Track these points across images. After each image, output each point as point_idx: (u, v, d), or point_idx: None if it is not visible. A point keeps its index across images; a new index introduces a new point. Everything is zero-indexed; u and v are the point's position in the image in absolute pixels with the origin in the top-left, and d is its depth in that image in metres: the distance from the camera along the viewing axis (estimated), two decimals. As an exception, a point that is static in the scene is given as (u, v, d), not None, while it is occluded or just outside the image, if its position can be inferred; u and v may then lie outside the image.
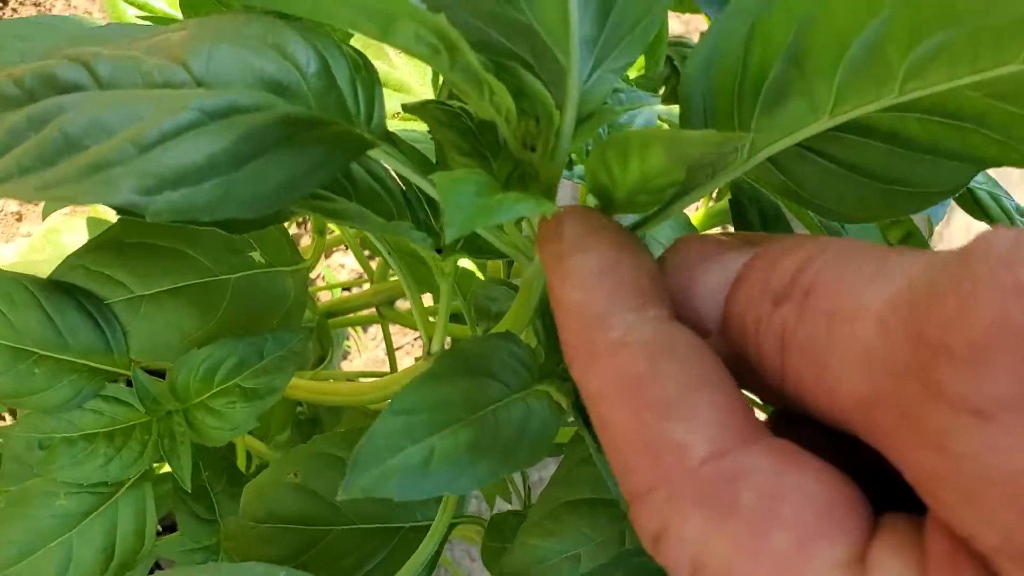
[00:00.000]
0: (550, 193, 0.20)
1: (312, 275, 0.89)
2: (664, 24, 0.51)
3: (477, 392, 0.21)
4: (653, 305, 0.17)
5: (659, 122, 0.37)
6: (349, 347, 0.86)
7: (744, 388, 0.18)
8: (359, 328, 0.83)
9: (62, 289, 0.38)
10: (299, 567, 0.38)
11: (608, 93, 0.19)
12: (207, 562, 0.45)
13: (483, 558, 0.42)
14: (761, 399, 0.19)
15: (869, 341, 0.14)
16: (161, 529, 0.67)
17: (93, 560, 0.39)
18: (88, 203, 0.17)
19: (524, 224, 0.23)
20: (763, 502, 0.14)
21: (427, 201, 0.27)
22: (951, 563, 0.13)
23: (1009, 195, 0.38)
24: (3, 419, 0.75)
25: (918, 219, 0.42)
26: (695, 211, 0.57)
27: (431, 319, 0.33)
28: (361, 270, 0.81)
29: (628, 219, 0.23)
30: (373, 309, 0.61)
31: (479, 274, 0.54)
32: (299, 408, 0.59)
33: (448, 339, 0.44)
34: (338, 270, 0.90)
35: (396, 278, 0.58)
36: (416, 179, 0.21)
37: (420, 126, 0.39)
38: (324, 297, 0.77)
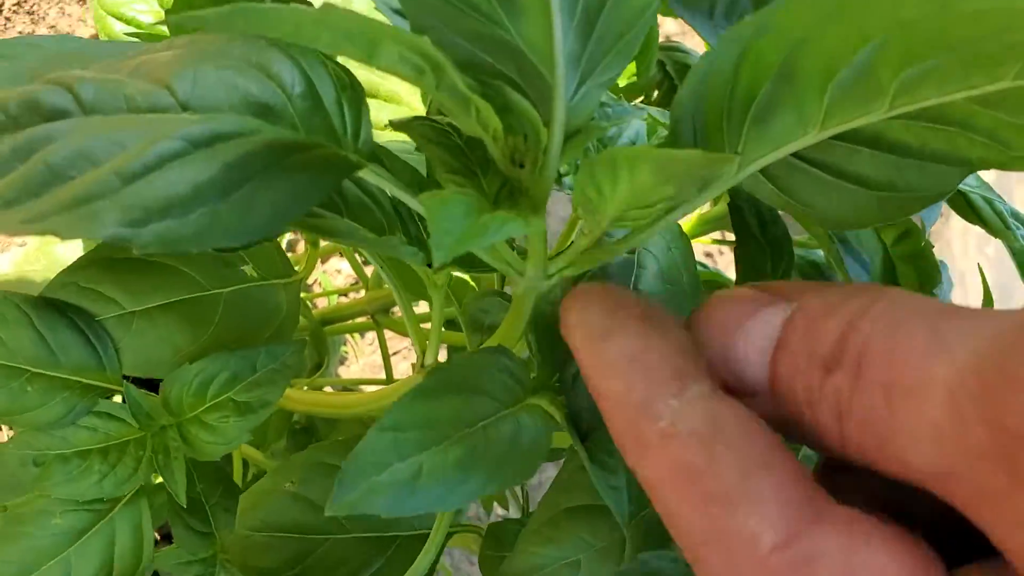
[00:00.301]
0: (539, 208, 0.20)
1: (308, 280, 0.89)
2: (653, 30, 0.51)
3: (467, 409, 0.21)
4: (694, 380, 0.17)
5: (651, 120, 0.37)
6: (346, 353, 0.86)
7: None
8: (356, 334, 0.83)
9: (53, 306, 0.38)
10: (305, 570, 0.38)
11: (595, 108, 0.19)
12: (203, 575, 0.45)
13: (481, 567, 0.42)
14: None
15: (938, 420, 0.13)
16: (158, 538, 0.67)
17: (92, 577, 0.39)
18: (73, 237, 0.17)
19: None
20: None
21: (418, 216, 0.27)
22: None
23: (1002, 198, 0.39)
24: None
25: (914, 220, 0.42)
26: (688, 218, 0.57)
27: (426, 325, 0.33)
28: (357, 276, 0.81)
29: (619, 233, 0.23)
30: (368, 316, 0.60)
31: (473, 284, 0.54)
32: (294, 417, 0.59)
33: (445, 346, 0.43)
34: (335, 275, 0.90)
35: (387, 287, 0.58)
36: (405, 198, 0.21)
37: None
38: (321, 303, 0.77)
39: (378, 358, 0.88)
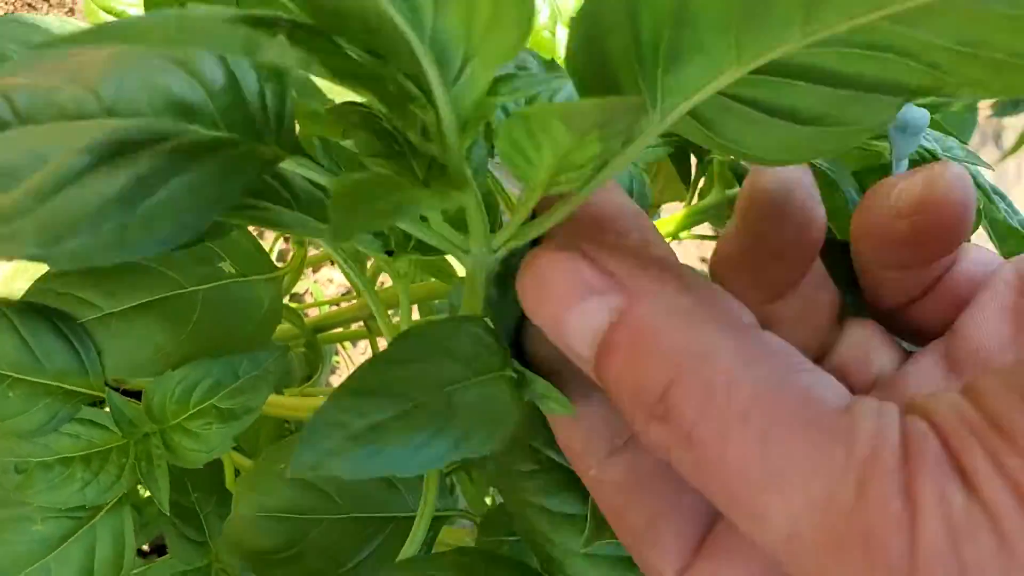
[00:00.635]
0: (461, 183, 0.19)
1: (300, 290, 0.89)
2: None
3: (433, 373, 0.20)
4: (619, 435, 0.21)
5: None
6: (338, 362, 0.85)
7: None
8: (348, 343, 0.83)
9: (36, 311, 0.37)
10: (293, 557, 0.38)
11: (487, 82, 0.18)
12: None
13: None
14: None
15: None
16: (148, 550, 0.66)
17: (72, 585, 0.38)
18: (2, 257, 0.17)
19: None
20: None
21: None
22: None
23: (980, 173, 0.38)
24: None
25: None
26: (678, 211, 0.56)
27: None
28: (349, 285, 0.81)
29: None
30: (361, 323, 0.60)
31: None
32: (287, 424, 0.58)
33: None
34: (326, 285, 0.90)
35: (389, 286, 0.58)
36: (330, 184, 0.21)
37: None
38: (313, 314, 0.76)
39: (374, 369, 0.87)
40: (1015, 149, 0.87)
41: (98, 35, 0.15)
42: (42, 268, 0.66)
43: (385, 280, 0.80)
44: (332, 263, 0.83)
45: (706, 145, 0.19)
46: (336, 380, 0.85)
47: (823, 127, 0.17)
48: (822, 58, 0.16)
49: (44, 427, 0.37)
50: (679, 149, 0.44)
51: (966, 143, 0.39)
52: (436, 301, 0.66)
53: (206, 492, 0.48)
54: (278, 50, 0.16)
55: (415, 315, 0.67)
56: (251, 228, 0.48)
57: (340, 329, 0.62)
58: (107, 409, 0.40)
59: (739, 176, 0.43)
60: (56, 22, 0.32)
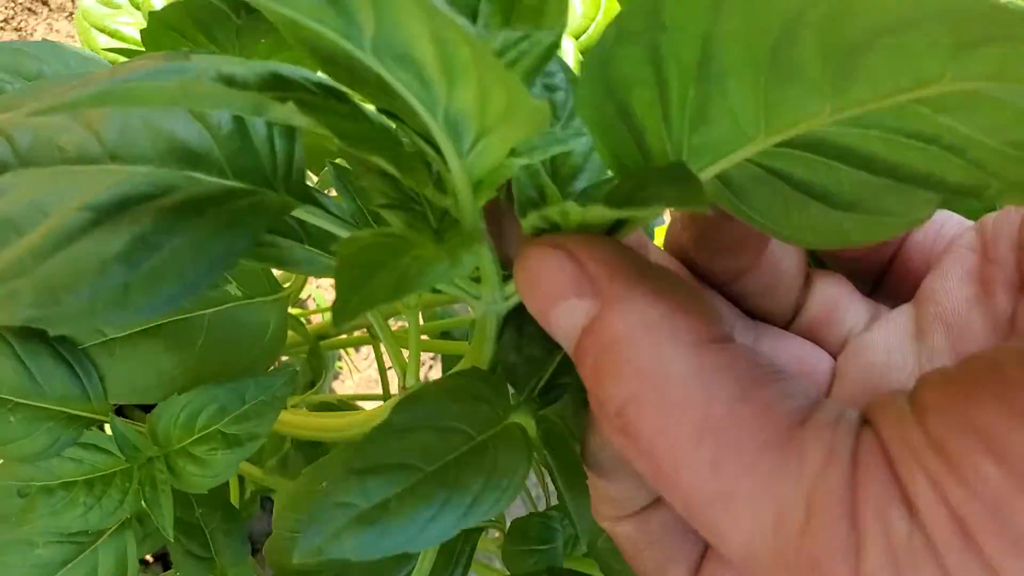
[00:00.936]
0: (473, 239, 0.18)
1: (303, 296, 0.88)
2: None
3: (437, 442, 0.20)
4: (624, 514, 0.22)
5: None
6: (340, 368, 0.85)
7: None
8: (351, 349, 0.83)
9: (36, 335, 0.37)
10: (340, 572, 0.38)
11: (503, 153, 0.18)
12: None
13: (505, 562, 0.42)
14: None
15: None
16: (151, 561, 0.66)
17: (74, 610, 0.38)
18: None
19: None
20: None
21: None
22: None
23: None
24: None
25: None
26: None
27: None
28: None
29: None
30: (365, 329, 0.60)
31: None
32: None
33: (439, 357, 0.43)
34: (328, 290, 0.90)
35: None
36: (340, 233, 0.20)
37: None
38: (315, 320, 0.76)
39: (374, 372, 0.87)
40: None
41: (102, 99, 0.15)
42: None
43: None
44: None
45: (737, 215, 0.18)
46: (339, 385, 0.85)
47: (856, 214, 0.17)
48: (861, 140, 0.15)
49: (46, 451, 0.37)
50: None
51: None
52: (439, 308, 0.65)
53: (211, 508, 0.48)
54: (287, 114, 0.16)
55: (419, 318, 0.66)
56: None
57: (344, 336, 0.61)
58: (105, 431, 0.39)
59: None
60: (49, 49, 0.32)
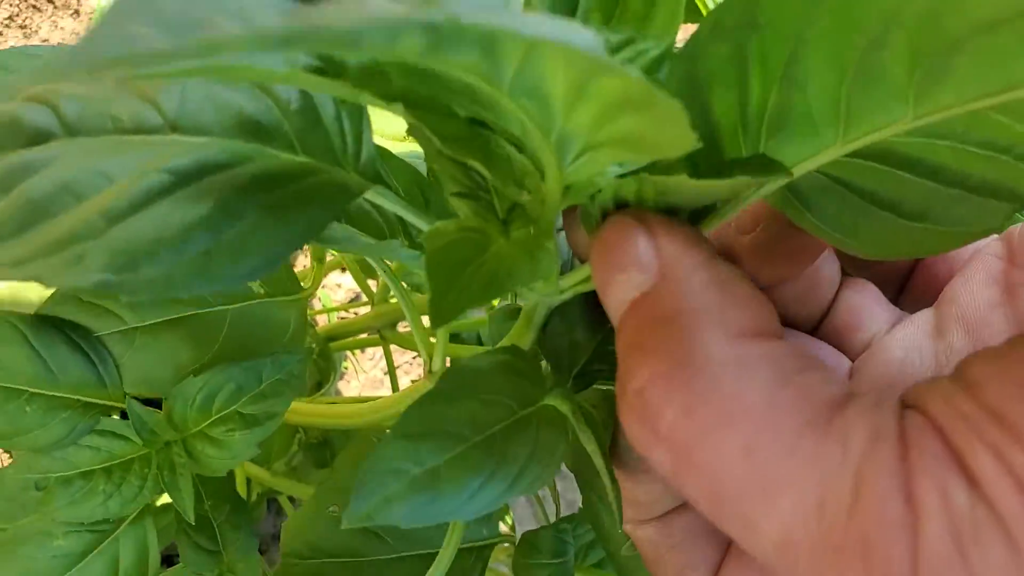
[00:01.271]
0: (546, 236, 0.18)
1: (308, 298, 0.88)
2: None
3: (483, 412, 0.20)
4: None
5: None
6: (346, 368, 0.85)
7: None
8: (356, 350, 0.83)
9: (50, 324, 0.37)
10: None
11: (601, 167, 0.18)
12: (211, 595, 0.44)
13: (515, 574, 0.41)
14: None
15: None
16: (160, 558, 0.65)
17: (95, 599, 0.38)
18: (58, 285, 0.15)
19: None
20: None
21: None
22: None
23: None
24: None
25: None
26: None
27: (432, 339, 0.32)
28: (359, 289, 0.80)
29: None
30: (373, 331, 0.60)
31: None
32: (299, 433, 0.58)
33: (448, 359, 0.43)
34: (334, 290, 0.89)
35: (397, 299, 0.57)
36: (411, 218, 0.20)
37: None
38: (321, 320, 0.76)
39: (379, 373, 0.87)
40: None
41: (197, 71, 0.14)
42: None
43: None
44: (342, 269, 0.83)
45: (803, 226, 0.18)
46: (344, 387, 0.85)
47: (925, 224, 0.17)
48: (932, 151, 0.15)
49: (63, 440, 0.37)
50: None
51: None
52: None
53: (219, 500, 0.48)
54: (393, 108, 0.15)
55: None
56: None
57: (354, 338, 0.61)
58: (124, 418, 0.39)
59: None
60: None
